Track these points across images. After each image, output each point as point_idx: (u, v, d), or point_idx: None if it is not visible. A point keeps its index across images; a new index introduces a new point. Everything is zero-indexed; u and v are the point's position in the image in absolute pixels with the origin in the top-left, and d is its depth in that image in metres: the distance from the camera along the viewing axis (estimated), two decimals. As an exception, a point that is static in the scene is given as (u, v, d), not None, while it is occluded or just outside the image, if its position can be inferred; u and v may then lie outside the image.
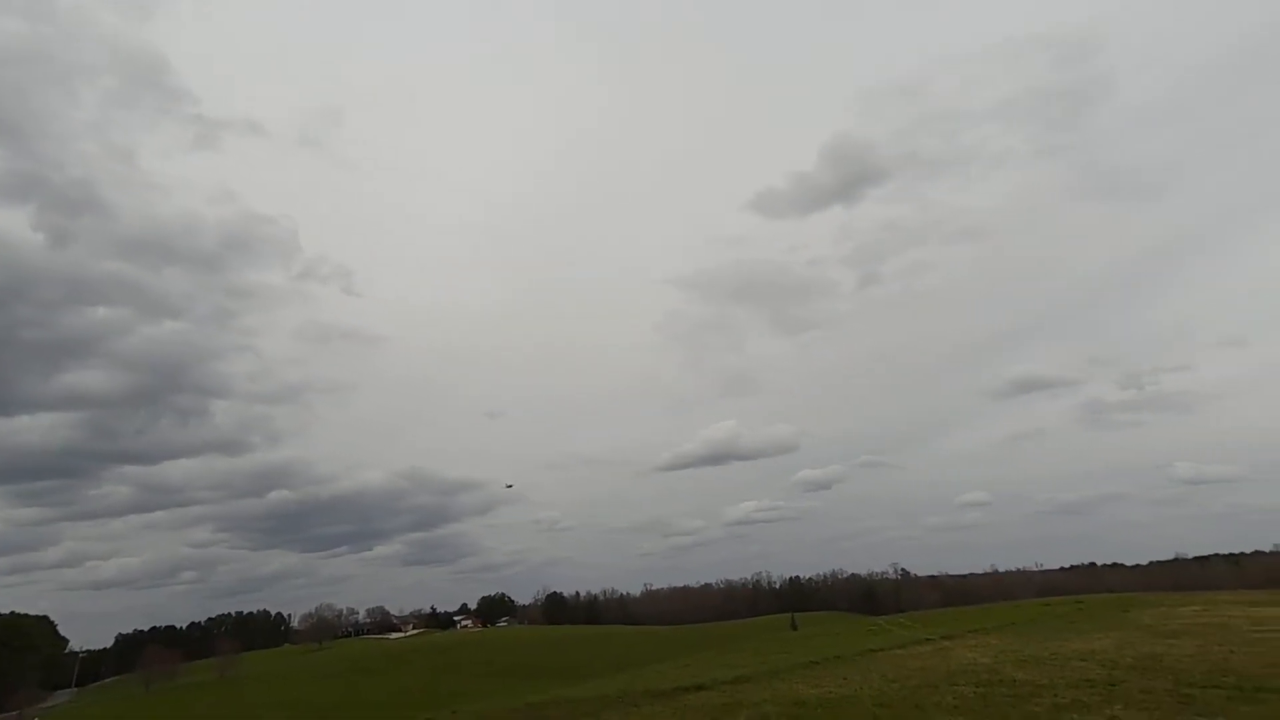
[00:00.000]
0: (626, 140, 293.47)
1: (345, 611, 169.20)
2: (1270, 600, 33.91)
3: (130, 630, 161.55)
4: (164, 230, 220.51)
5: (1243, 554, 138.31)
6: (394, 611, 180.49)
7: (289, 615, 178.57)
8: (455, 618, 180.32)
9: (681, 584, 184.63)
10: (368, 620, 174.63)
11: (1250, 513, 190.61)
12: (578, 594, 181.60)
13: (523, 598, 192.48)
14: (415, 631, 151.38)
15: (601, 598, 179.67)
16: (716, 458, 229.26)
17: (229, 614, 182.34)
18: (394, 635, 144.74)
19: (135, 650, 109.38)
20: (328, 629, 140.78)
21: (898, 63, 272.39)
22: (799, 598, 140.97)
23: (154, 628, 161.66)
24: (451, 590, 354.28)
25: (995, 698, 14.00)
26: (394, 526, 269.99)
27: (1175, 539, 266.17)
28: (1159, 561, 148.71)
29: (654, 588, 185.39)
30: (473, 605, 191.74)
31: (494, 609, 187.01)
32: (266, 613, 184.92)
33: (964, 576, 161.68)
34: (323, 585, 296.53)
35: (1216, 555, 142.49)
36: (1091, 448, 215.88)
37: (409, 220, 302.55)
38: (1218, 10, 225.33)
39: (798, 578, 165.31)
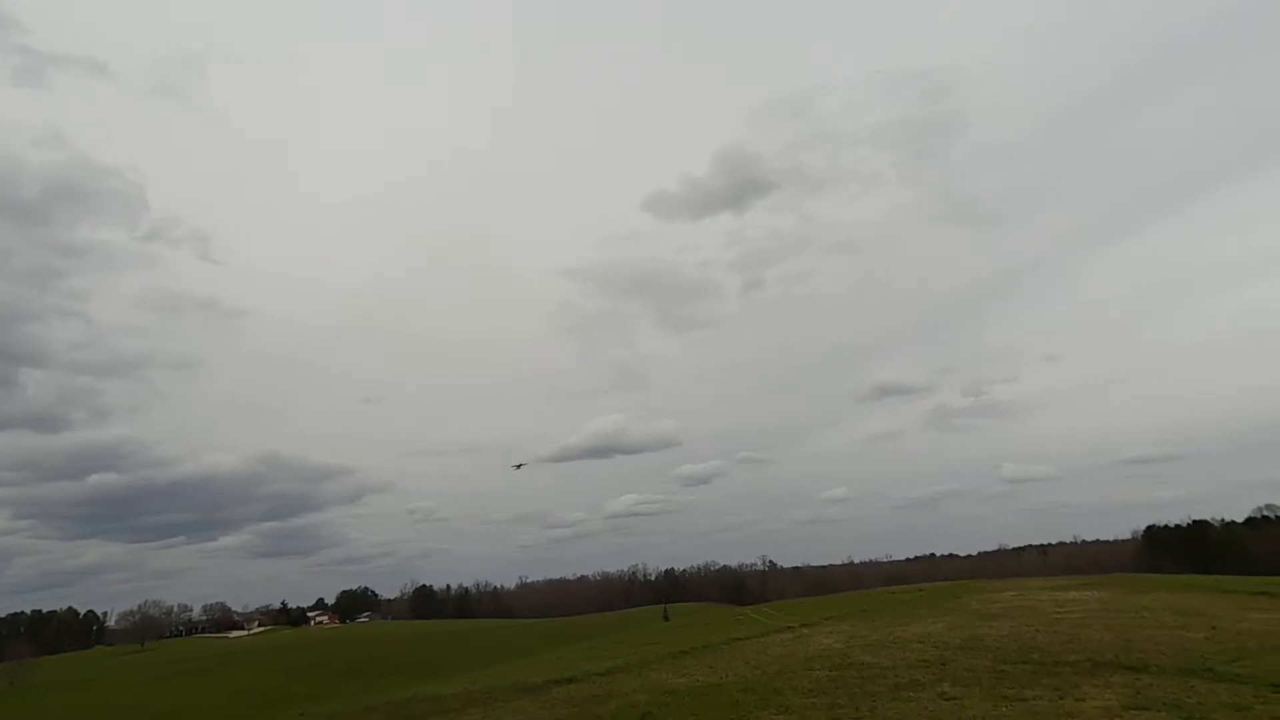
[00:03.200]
0: (526, 130, 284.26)
1: (176, 609, 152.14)
2: (1069, 585, 39.52)
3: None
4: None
5: (1050, 544, 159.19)
6: (236, 608, 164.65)
7: (104, 614, 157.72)
8: (310, 614, 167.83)
9: (559, 576, 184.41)
10: (204, 618, 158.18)
11: (1058, 508, 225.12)
12: (448, 587, 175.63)
13: (389, 592, 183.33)
14: (260, 629, 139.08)
15: (474, 591, 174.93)
16: (601, 450, 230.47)
17: (23, 613, 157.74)
18: (234, 633, 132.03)
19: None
20: (152, 628, 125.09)
21: (786, 81, 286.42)
22: (673, 589, 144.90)
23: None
24: (307, 584, 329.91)
25: (845, 680, 14.96)
26: (244, 515, 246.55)
27: (1000, 531, 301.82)
28: (986, 552, 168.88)
29: (529, 580, 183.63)
30: (330, 600, 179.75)
31: (354, 604, 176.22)
32: (74, 611, 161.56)
33: (824, 567, 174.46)
34: (150, 580, 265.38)
35: (1030, 546, 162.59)
36: (937, 449, 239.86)
37: (282, 187, 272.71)
38: (1059, 66, 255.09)
39: (672, 570, 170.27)
